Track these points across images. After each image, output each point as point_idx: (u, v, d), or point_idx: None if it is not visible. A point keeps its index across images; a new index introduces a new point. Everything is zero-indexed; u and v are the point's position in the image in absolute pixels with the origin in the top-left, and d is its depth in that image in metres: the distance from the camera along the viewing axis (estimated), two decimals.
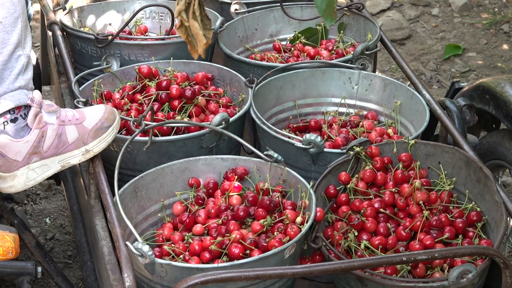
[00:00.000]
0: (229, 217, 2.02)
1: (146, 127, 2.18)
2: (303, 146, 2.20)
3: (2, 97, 2.08)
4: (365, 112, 2.60)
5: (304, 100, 2.68)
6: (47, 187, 3.71)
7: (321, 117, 2.61)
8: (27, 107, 2.11)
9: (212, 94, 2.55)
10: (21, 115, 2.12)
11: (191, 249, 1.95)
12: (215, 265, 1.83)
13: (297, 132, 2.54)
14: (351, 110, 2.63)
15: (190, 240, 2.00)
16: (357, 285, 1.91)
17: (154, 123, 2.24)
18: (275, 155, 2.12)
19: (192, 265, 1.84)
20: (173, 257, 1.97)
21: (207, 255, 1.94)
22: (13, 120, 2.11)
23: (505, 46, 4.92)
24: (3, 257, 2.09)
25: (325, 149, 2.21)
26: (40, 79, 3.27)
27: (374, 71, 2.91)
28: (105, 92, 2.56)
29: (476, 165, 2.07)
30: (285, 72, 2.63)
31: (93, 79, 2.60)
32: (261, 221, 1.98)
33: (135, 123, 2.18)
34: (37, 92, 2.17)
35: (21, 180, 2.13)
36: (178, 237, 2.04)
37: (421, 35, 5.12)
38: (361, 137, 2.26)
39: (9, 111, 2.09)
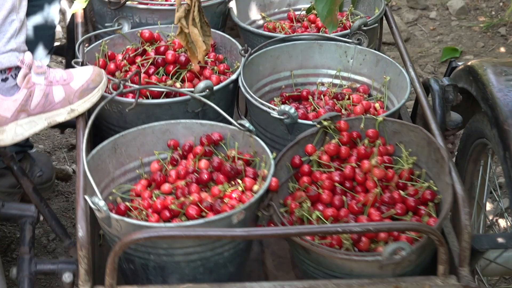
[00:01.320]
0: (193, 180, 2.14)
1: (124, 90, 2.32)
2: (278, 116, 2.29)
3: None
4: (358, 85, 2.68)
5: (301, 71, 2.76)
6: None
7: (316, 88, 2.70)
8: (18, 68, 2.26)
9: (209, 61, 2.65)
10: (11, 75, 2.27)
11: (154, 207, 2.08)
12: (161, 224, 1.96)
13: (289, 101, 2.63)
14: (345, 83, 2.70)
15: (155, 198, 2.13)
16: (303, 253, 2.01)
17: (137, 87, 2.36)
18: (247, 124, 2.22)
19: (140, 222, 1.96)
20: (140, 212, 2.11)
21: (167, 213, 2.06)
22: (4, 80, 2.26)
23: (502, 49, 5.00)
24: None
25: (299, 120, 2.30)
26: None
27: (379, 46, 2.98)
28: (109, 53, 2.69)
29: (435, 145, 2.12)
30: (284, 43, 2.72)
31: (101, 40, 2.73)
32: (219, 186, 2.09)
33: (114, 85, 2.33)
34: (28, 54, 2.31)
35: (9, 135, 2.29)
36: (148, 194, 2.17)
37: (419, 38, 5.23)
38: (333, 111, 2.34)
39: (0, 72, 2.24)
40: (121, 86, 2.31)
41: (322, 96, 2.62)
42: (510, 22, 5.17)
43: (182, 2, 1.84)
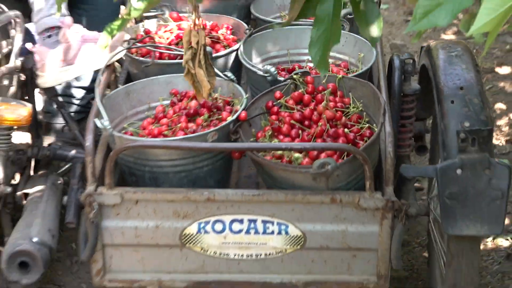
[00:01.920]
0: (183, 113, 2.73)
1: (132, 46, 3.01)
2: (262, 74, 2.87)
3: (42, 20, 2.97)
4: (340, 62, 3.23)
5: (296, 50, 3.34)
6: None
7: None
8: (59, 27, 2.96)
9: (221, 37, 3.28)
10: (54, 33, 2.98)
11: (152, 133, 2.69)
12: (145, 138, 2.59)
13: (282, 72, 3.21)
14: (331, 60, 3.25)
15: (153, 127, 2.73)
16: (260, 169, 2.61)
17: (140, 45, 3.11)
18: (229, 74, 2.84)
19: (132, 137, 2.62)
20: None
21: (161, 137, 2.66)
22: (49, 36, 3.02)
23: None
24: (15, 122, 2.84)
25: (278, 78, 2.87)
26: None
27: (358, 30, 3.58)
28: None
29: (377, 95, 2.66)
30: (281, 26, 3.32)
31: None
32: (202, 117, 2.68)
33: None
34: (68, 18, 3.00)
35: (52, 78, 2.98)
36: (150, 127, 2.79)
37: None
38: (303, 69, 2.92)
39: (46, 30, 2.95)
40: (130, 43, 2.99)
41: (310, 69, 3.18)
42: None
43: (189, 47, 2.01)
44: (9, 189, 2.94)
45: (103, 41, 1.83)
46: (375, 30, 1.93)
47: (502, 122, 3.84)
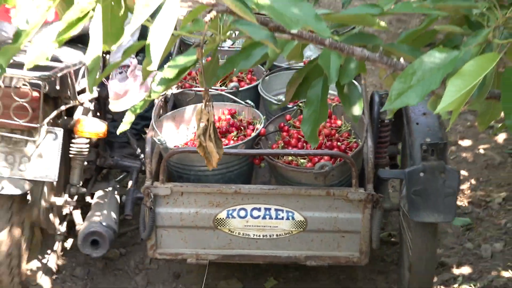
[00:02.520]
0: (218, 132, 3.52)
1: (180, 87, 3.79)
2: (276, 102, 3.69)
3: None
4: (333, 97, 3.80)
5: None
6: None
7: None
8: (128, 66, 3.73)
9: (244, 77, 4.01)
10: (124, 70, 3.73)
11: (195, 145, 3.37)
12: (186, 147, 3.43)
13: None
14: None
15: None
16: (274, 171, 3.46)
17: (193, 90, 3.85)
18: (250, 102, 3.66)
19: (178, 148, 3.44)
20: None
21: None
22: (120, 72, 3.74)
23: None
24: (95, 135, 3.55)
25: (288, 105, 3.66)
26: None
27: None
28: None
29: (363, 120, 3.43)
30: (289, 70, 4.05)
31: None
32: (232, 134, 3.51)
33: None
34: (135, 59, 3.77)
35: (122, 105, 3.75)
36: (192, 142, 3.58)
37: None
38: None
39: (119, 67, 3.72)
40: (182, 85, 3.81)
41: None
42: None
43: (200, 124, 1.93)
44: (83, 190, 3.69)
45: (128, 118, 1.85)
46: (356, 110, 1.97)
47: (464, 186, 4.02)
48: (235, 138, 3.49)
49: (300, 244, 3.40)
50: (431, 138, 3.28)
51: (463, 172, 3.98)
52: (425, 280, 3.42)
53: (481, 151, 4.08)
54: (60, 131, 3.35)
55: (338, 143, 3.45)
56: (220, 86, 3.87)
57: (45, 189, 3.51)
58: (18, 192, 3.30)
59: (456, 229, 3.41)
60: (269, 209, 3.35)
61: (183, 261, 3.52)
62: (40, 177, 3.33)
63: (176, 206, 3.37)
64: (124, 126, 1.83)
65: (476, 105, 1.60)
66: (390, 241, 4.04)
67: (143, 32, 4.85)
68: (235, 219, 3.36)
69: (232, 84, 3.78)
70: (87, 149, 3.63)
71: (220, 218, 3.35)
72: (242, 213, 3.36)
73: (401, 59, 1.63)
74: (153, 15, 1.49)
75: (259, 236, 3.39)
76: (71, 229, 3.76)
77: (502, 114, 1.47)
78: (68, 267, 3.84)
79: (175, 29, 1.53)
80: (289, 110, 3.69)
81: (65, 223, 3.75)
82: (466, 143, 4.24)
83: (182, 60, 1.72)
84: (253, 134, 3.47)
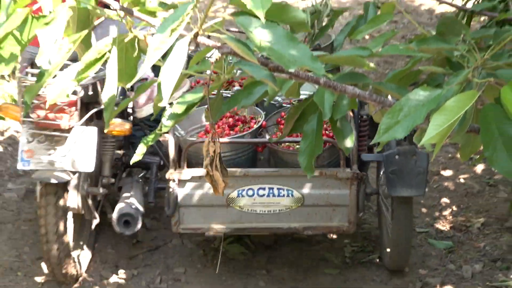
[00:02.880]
0: (226, 125, 3.41)
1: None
2: (273, 102, 3.54)
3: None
4: None
5: None
6: None
7: None
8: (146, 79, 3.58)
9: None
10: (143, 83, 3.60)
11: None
12: (200, 139, 3.28)
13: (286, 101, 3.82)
14: None
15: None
16: (275, 155, 3.33)
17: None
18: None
19: (193, 139, 3.32)
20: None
21: None
22: None
23: None
24: (121, 133, 3.43)
25: (283, 104, 3.57)
26: None
27: None
28: None
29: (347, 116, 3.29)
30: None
31: None
32: (238, 126, 3.38)
33: None
34: (152, 73, 3.57)
35: (144, 112, 3.64)
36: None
37: None
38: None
39: (139, 80, 3.57)
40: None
41: None
42: None
43: (207, 155, 1.84)
44: (113, 180, 3.59)
45: (140, 150, 1.77)
46: (348, 142, 1.86)
47: (446, 212, 3.85)
48: (241, 130, 3.40)
49: (299, 217, 3.31)
50: None
51: (445, 200, 3.87)
52: (403, 251, 3.34)
53: (462, 180, 3.99)
54: (94, 129, 3.29)
55: (327, 132, 3.31)
56: (225, 90, 3.76)
57: (82, 179, 3.45)
58: (62, 180, 3.27)
59: (439, 251, 3.35)
60: (273, 188, 3.27)
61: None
62: (80, 168, 3.28)
63: (195, 188, 3.29)
64: (137, 157, 1.75)
65: (457, 138, 1.56)
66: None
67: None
68: (244, 197, 3.28)
69: (235, 88, 3.66)
70: (115, 145, 3.60)
71: (231, 197, 3.27)
72: (250, 192, 3.28)
73: (389, 97, 1.59)
74: (164, 55, 1.44)
75: (265, 211, 3.30)
76: (103, 215, 3.72)
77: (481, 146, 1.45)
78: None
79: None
80: (284, 108, 3.60)
81: (98, 210, 3.70)
82: (447, 173, 4.11)
83: (190, 97, 1.66)
84: (256, 126, 3.36)
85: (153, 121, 3.96)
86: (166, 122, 1.67)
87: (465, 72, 1.46)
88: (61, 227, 3.34)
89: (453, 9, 2.43)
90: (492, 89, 1.45)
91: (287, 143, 3.31)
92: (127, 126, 3.44)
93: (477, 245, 3.35)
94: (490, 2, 2.31)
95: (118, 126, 3.42)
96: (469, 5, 2.69)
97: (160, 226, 3.91)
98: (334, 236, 3.74)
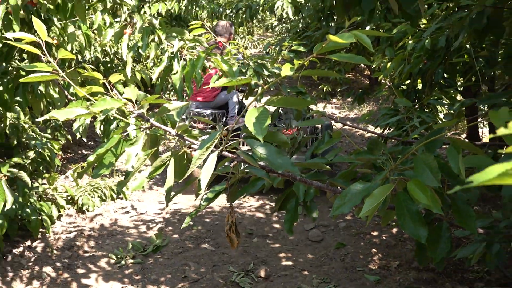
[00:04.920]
0: None
1: None
2: None
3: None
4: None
5: None
6: None
7: None
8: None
9: None
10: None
11: None
12: None
13: None
14: None
15: None
16: None
17: None
18: None
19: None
20: None
21: None
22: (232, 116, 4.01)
23: None
24: None
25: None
26: None
27: None
28: None
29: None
30: None
31: None
32: None
33: None
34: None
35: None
36: None
37: None
38: None
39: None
40: None
41: None
42: None
43: (227, 223, 1.79)
44: None
45: (187, 220, 1.71)
46: (314, 214, 1.83)
47: (375, 257, 3.69)
48: None
49: None
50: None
51: (374, 250, 3.77)
52: None
53: (384, 237, 3.95)
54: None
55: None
56: None
57: None
58: None
59: (371, 283, 3.30)
60: None
61: None
62: None
63: None
64: (185, 224, 1.77)
65: (381, 212, 1.62)
66: None
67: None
68: None
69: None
70: None
71: None
72: None
73: (339, 187, 1.68)
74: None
75: None
76: None
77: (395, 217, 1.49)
78: None
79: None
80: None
81: None
82: (375, 233, 4.07)
83: (217, 187, 1.76)
84: None
85: None
86: (203, 203, 1.73)
87: (384, 173, 1.51)
88: None
89: (375, 135, 2.61)
90: (401, 183, 1.49)
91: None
92: None
93: (395, 278, 3.32)
94: (397, 131, 2.41)
95: None
96: (385, 133, 2.80)
97: None
98: None
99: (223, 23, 4.88)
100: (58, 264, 3.58)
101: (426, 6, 2.98)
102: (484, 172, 0.54)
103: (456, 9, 2.81)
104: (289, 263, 3.63)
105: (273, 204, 4.52)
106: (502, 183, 0.53)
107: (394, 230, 4.08)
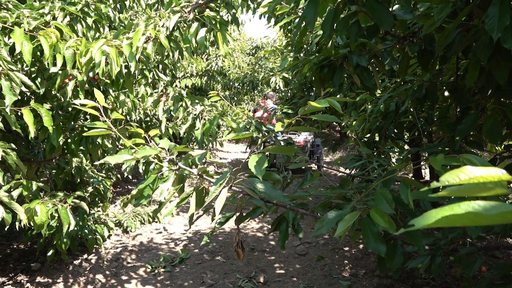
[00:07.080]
0: None
1: None
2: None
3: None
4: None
5: None
6: None
7: None
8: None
9: None
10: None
11: None
12: None
13: None
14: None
15: None
16: None
17: None
18: None
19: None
20: None
21: None
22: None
23: None
24: None
25: None
26: None
27: None
28: None
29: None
30: None
31: None
32: None
33: None
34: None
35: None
36: None
37: None
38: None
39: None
40: None
41: None
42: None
43: (235, 240, 1.69)
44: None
45: (205, 239, 1.63)
46: (300, 235, 1.68)
47: (347, 267, 3.49)
48: None
49: None
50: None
51: (346, 261, 3.62)
52: None
53: (353, 252, 3.83)
54: None
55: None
56: None
57: None
58: None
59: (344, 287, 3.19)
60: None
61: None
62: None
63: None
64: (204, 242, 1.70)
65: (351, 233, 1.52)
66: None
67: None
68: None
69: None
70: None
71: None
72: None
73: (318, 214, 1.64)
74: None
75: None
76: None
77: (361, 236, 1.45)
78: None
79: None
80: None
81: None
82: (346, 248, 3.81)
83: (228, 214, 1.73)
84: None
85: None
86: (217, 225, 1.70)
87: (352, 203, 1.46)
88: None
89: (345, 174, 2.56)
90: (365, 210, 1.44)
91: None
92: None
93: (362, 283, 3.19)
94: (361, 172, 2.38)
95: None
96: (353, 173, 2.77)
97: None
98: None
99: (272, 92, 5.14)
100: (107, 272, 3.54)
101: (380, 81, 3.05)
102: (423, 217, 0.52)
103: (402, 83, 2.88)
104: (282, 271, 3.55)
105: (269, 226, 4.45)
106: (438, 226, 0.51)
107: (361, 246, 3.99)
